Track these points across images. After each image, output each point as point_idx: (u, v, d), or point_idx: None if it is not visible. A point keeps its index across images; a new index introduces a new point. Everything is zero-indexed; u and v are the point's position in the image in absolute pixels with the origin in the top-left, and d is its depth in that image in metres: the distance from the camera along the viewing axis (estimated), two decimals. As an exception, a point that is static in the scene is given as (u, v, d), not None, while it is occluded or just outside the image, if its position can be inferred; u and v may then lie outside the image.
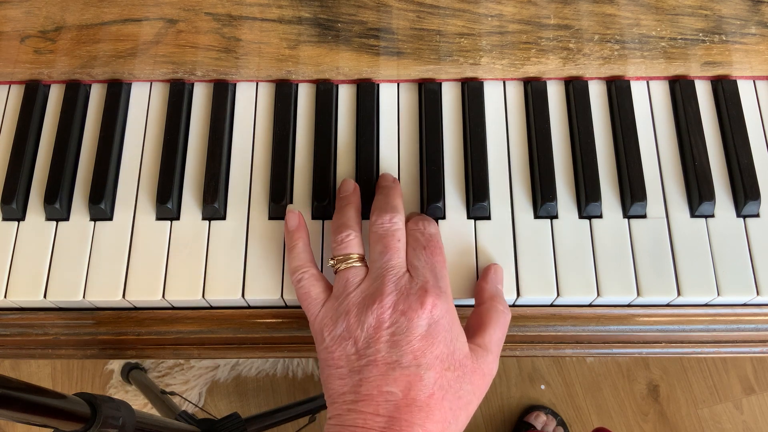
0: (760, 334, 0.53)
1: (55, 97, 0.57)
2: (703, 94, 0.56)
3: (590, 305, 0.52)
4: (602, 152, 0.54)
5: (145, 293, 0.50)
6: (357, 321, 0.43)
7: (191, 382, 1.25)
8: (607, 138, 0.55)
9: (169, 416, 0.96)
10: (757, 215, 0.52)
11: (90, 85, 0.57)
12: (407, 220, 0.50)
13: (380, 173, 0.53)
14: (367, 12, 0.50)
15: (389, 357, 0.42)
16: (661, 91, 0.56)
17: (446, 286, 0.45)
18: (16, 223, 0.52)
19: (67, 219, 0.52)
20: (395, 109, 0.56)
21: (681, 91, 0.55)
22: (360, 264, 0.46)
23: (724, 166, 0.54)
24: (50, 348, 0.54)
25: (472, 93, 0.55)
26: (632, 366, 1.28)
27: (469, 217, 0.52)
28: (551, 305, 0.52)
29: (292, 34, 0.52)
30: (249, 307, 0.52)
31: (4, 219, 0.53)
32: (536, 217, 0.52)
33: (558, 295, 0.50)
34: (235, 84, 0.57)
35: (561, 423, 1.23)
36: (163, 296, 0.50)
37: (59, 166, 0.53)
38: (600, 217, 0.52)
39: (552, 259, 0.51)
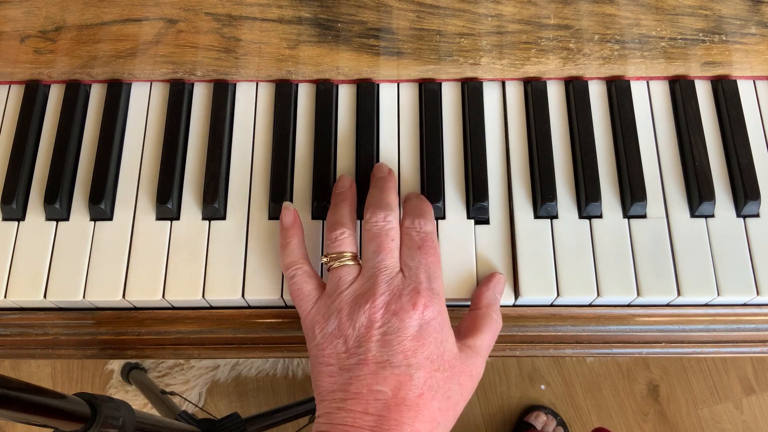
0: (760, 334, 0.53)
1: (55, 97, 0.57)
2: (703, 94, 0.56)
3: (590, 305, 0.52)
4: (602, 152, 0.54)
5: (145, 293, 0.50)
6: (348, 320, 0.43)
7: (191, 382, 1.25)
8: (607, 138, 0.55)
9: (169, 416, 0.96)
10: (757, 215, 0.52)
11: (90, 85, 0.57)
12: (404, 203, 0.50)
13: (376, 164, 0.53)
14: (367, 12, 0.50)
15: (380, 356, 0.42)
16: (661, 91, 0.56)
17: (439, 288, 0.45)
18: (16, 223, 0.52)
19: (67, 219, 0.52)
20: (395, 109, 0.56)
21: (681, 91, 0.55)
22: (353, 262, 0.46)
23: (724, 166, 0.54)
24: (50, 348, 0.54)
25: (472, 93, 0.55)
26: (632, 366, 1.28)
27: (468, 217, 0.52)
28: (551, 305, 0.52)
29: (292, 34, 0.52)
30: (249, 307, 0.52)
31: (4, 219, 0.53)
32: (536, 217, 0.52)
33: (558, 295, 0.50)
34: (235, 84, 0.57)
35: (561, 423, 1.23)
36: (163, 296, 0.50)
37: (59, 166, 0.53)
38: (600, 217, 0.52)
39: (552, 259, 0.51)
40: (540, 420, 1.20)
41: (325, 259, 0.47)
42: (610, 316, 0.52)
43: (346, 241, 0.47)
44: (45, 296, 0.50)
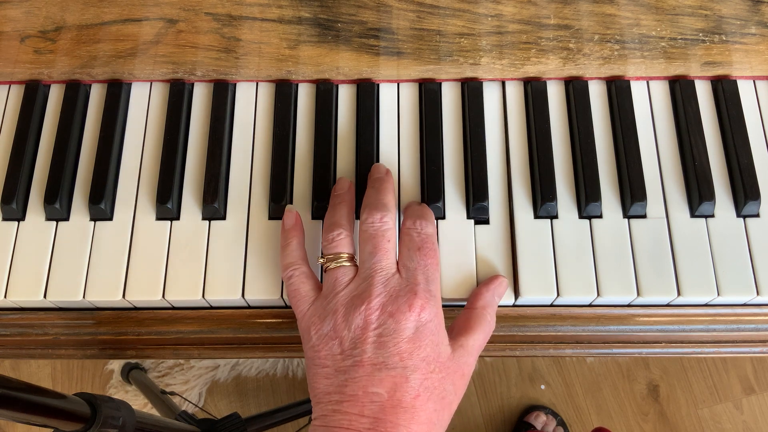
0: (760, 334, 0.53)
1: (55, 97, 0.57)
2: (703, 94, 0.56)
3: (590, 305, 0.52)
4: (602, 152, 0.54)
5: (145, 293, 0.50)
6: (344, 321, 0.43)
7: (191, 382, 1.25)
8: (607, 138, 0.55)
9: (169, 416, 0.96)
10: (757, 215, 0.52)
11: (90, 85, 0.57)
12: (404, 211, 0.50)
13: (374, 164, 0.53)
14: (367, 12, 0.50)
15: (375, 358, 0.42)
16: (661, 91, 0.56)
17: (436, 290, 0.45)
18: (16, 223, 0.52)
19: (67, 219, 0.52)
20: (395, 109, 0.56)
21: (681, 91, 0.55)
22: (349, 264, 0.46)
23: (724, 166, 0.54)
24: (50, 348, 0.54)
25: (472, 93, 0.55)
26: (632, 366, 1.28)
27: (468, 217, 0.52)
28: (551, 305, 0.52)
29: (292, 34, 0.52)
30: (249, 307, 0.52)
31: (4, 219, 0.53)
32: (536, 217, 0.52)
33: (558, 295, 0.50)
34: (235, 84, 0.57)
35: (561, 423, 1.23)
36: (163, 296, 0.50)
37: (59, 166, 0.53)
38: (600, 217, 0.52)
39: (552, 259, 0.51)
40: (540, 420, 1.20)
41: (321, 260, 0.47)
42: (610, 316, 0.52)
43: (343, 242, 0.47)
44: (45, 296, 0.50)
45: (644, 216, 0.52)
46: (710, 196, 0.51)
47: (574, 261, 0.50)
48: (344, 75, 0.56)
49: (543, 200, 0.51)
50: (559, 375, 1.28)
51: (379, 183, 0.50)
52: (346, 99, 0.56)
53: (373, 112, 0.55)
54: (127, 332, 0.53)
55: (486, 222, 0.52)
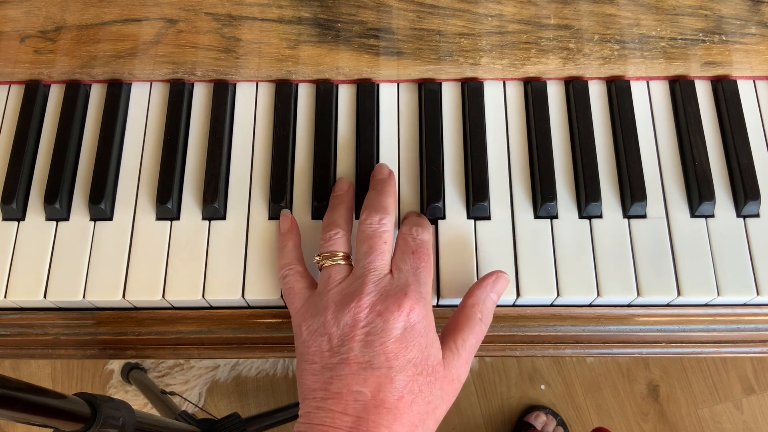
0: (760, 334, 0.53)
1: (55, 97, 0.57)
2: (703, 94, 0.56)
3: (590, 305, 0.52)
4: (602, 152, 0.54)
5: (145, 293, 0.50)
6: (334, 318, 0.43)
7: (191, 382, 1.25)
8: (607, 138, 0.55)
9: (169, 416, 0.96)
10: (757, 215, 0.52)
11: (90, 85, 0.57)
12: (403, 220, 0.50)
13: (376, 164, 0.53)
14: (367, 12, 0.50)
15: (362, 357, 0.42)
16: (661, 91, 0.56)
17: (427, 293, 0.45)
18: (16, 223, 0.52)
19: (67, 219, 0.52)
20: (395, 109, 0.56)
21: (681, 91, 0.55)
22: (344, 262, 0.46)
23: (724, 166, 0.54)
24: (50, 348, 0.54)
25: (472, 93, 0.55)
26: (632, 366, 1.28)
27: (469, 217, 0.52)
28: (551, 305, 0.52)
29: (292, 34, 0.52)
30: (249, 307, 0.52)
31: (4, 219, 0.53)
32: (536, 217, 0.52)
33: (558, 295, 0.50)
34: (235, 84, 0.57)
35: (561, 423, 1.23)
36: (163, 296, 0.50)
37: (59, 166, 0.53)
38: (600, 217, 0.52)
39: (552, 259, 0.51)
40: (540, 420, 1.20)
41: (317, 258, 0.47)
42: (610, 316, 0.52)
43: (339, 241, 0.47)
44: (45, 296, 0.50)
45: (644, 216, 0.52)
46: (710, 196, 0.51)
47: (574, 261, 0.50)
48: (344, 75, 0.56)
49: (543, 200, 0.51)
50: (559, 375, 1.28)
51: (381, 185, 0.50)
52: (346, 99, 0.56)
53: (373, 112, 0.55)
54: (127, 332, 0.53)
55: (486, 222, 0.52)
